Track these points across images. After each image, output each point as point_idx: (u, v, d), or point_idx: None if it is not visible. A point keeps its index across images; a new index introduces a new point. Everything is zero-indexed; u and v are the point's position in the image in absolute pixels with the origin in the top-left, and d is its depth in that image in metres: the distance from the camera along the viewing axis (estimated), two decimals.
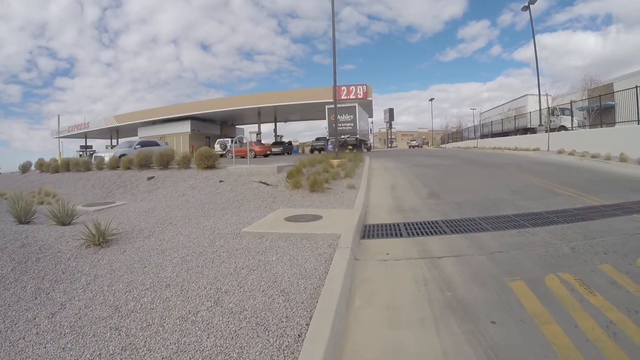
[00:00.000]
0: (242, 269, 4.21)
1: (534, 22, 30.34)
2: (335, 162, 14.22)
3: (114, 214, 8.24)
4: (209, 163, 13.44)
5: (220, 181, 11.47)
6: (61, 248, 5.16)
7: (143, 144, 24.19)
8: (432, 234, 5.76)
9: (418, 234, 5.76)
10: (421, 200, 8.49)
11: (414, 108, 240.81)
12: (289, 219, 6.54)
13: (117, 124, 53.25)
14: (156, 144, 24.99)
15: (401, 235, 5.76)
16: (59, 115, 39.29)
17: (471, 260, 4.45)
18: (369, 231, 6.13)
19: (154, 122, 50.73)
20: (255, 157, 30.06)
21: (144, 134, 52.29)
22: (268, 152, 34.82)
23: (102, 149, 40.85)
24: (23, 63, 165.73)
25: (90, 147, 63.61)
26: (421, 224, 6.39)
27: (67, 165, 19.72)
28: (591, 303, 3.25)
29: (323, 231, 5.48)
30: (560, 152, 20.58)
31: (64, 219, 6.91)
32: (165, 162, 14.96)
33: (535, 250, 4.68)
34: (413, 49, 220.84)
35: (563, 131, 26.83)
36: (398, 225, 6.38)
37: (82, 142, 64.69)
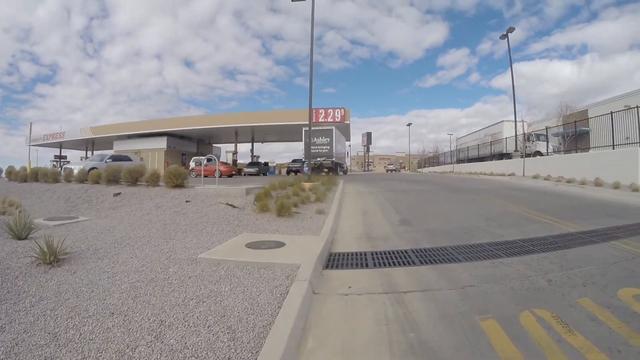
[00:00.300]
0: (191, 299, 3.93)
1: (512, 51, 31.10)
2: (307, 185, 14.03)
3: (73, 231, 8.10)
4: (178, 182, 13.12)
5: (186, 201, 11.15)
6: (11, 265, 5.07)
7: (115, 158, 23.69)
8: (400, 264, 5.48)
9: (385, 265, 5.48)
10: (392, 228, 8.25)
11: (392, 132, 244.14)
12: (250, 246, 6.22)
13: (93, 136, 52.00)
14: (128, 159, 24.50)
15: (367, 266, 5.45)
16: (31, 123, 38.75)
17: (439, 296, 4.17)
18: (333, 260, 5.82)
19: (130, 136, 49.77)
20: (220, 176, 29.75)
21: (120, 147, 51.52)
22: (233, 173, 34.88)
23: (77, 160, 39.95)
24: (4, 66, 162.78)
25: (65, 157, 62.40)
26: (390, 253, 6.11)
27: (35, 175, 19.12)
28: (570, 343, 3.01)
29: (283, 260, 5.16)
30: (535, 177, 20.88)
31: (20, 233, 6.77)
32: (134, 178, 14.55)
33: (509, 284, 4.45)
34: (394, 74, 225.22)
35: (538, 156, 27.49)
36: (365, 255, 6.08)
37: (57, 151, 63.55)
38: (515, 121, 30.86)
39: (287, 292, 4.07)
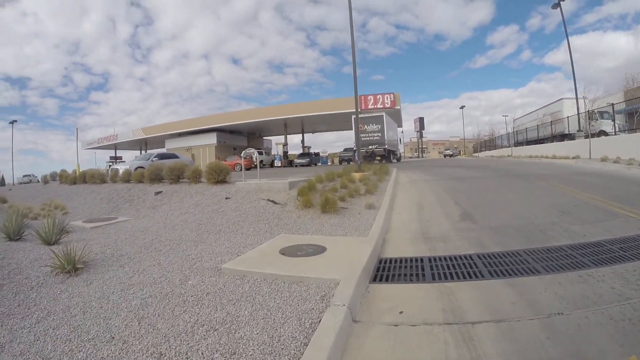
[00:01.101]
0: (202, 325, 3.23)
1: (563, 24, 28.47)
2: (357, 175, 12.98)
3: (107, 233, 7.96)
4: (220, 178, 12.50)
5: (226, 198, 10.50)
6: (30, 274, 4.84)
7: (161, 156, 23.55)
8: (465, 277, 4.41)
9: (447, 277, 4.43)
10: (452, 224, 7.15)
11: (445, 117, 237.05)
12: (285, 252, 5.36)
13: (145, 136, 53.44)
14: (175, 157, 24.31)
15: (424, 279, 4.43)
16: (77, 128, 39.45)
17: (519, 331, 3.05)
18: (383, 270, 4.85)
19: (180, 134, 50.54)
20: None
21: (171, 145, 52.59)
22: (252, 166, 34.73)
23: (131, 159, 40.81)
24: (59, 78, 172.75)
25: (120, 157, 64.52)
26: (451, 260, 5.07)
27: (84, 177, 19.33)
28: None
29: (320, 274, 4.23)
30: (603, 159, 18.81)
31: (50, 238, 6.56)
32: (176, 176, 14.13)
33: (606, 311, 3.25)
34: (442, 57, 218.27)
35: (603, 137, 24.95)
36: (422, 262, 5.07)
37: (112, 153, 65.93)
38: (577, 98, 28.34)
39: (319, 321, 3.16)
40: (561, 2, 28.35)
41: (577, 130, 27.74)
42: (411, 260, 5.21)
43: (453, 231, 6.65)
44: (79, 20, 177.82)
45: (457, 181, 13.47)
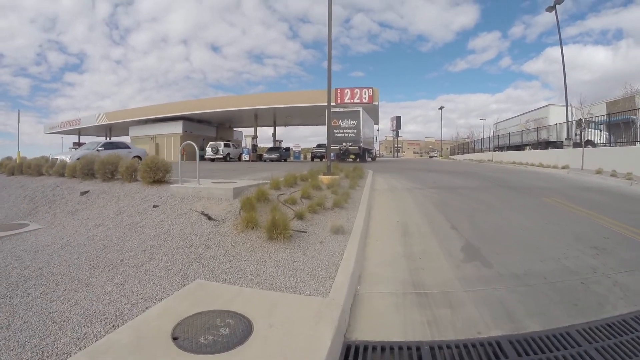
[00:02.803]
0: None
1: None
2: (325, 179, 10.65)
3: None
4: (157, 177, 9.95)
5: (154, 206, 8.07)
6: None
7: (108, 145, 20.73)
8: None
9: None
10: (455, 267, 4.92)
11: (421, 117, 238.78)
12: (182, 333, 2.96)
13: (108, 122, 50.03)
14: (125, 147, 21.54)
15: None
16: (19, 110, 35.78)
17: None
18: None
19: (145, 122, 47.35)
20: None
21: (135, 133, 49.58)
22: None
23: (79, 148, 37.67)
24: (32, 56, 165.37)
25: (84, 144, 60.66)
26: (466, 349, 2.95)
27: (21, 168, 16.44)
28: None
29: None
30: (598, 172, 17.38)
31: None
32: (110, 172, 11.55)
33: None
34: (423, 58, 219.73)
35: (590, 147, 23.68)
36: (419, 353, 2.89)
37: (76, 138, 62.07)
38: (567, 105, 26.82)
39: None
40: (556, 5, 26.64)
41: (566, 139, 26.27)
42: (400, 349, 2.95)
43: (459, 282, 4.41)
44: None
45: (446, 192, 11.24)
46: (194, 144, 9.67)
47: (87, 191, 10.59)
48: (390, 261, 5.18)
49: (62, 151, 20.92)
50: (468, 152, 53.48)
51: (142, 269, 4.88)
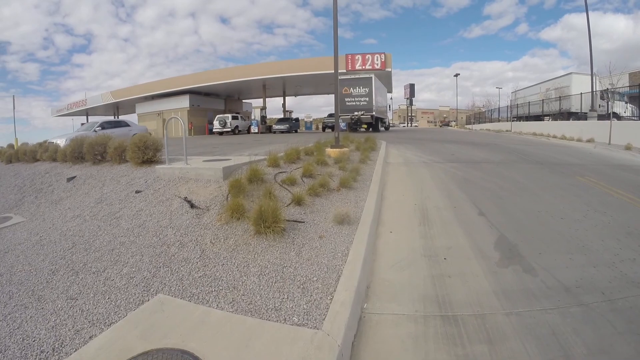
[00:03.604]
0: None
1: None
2: (333, 152, 9.54)
3: None
4: (146, 157, 8.95)
5: (136, 192, 7.12)
6: None
7: (107, 125, 19.67)
8: None
9: None
10: (490, 274, 3.90)
11: (435, 85, 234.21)
12: None
13: (114, 100, 48.95)
14: (124, 125, 20.46)
15: None
16: (13, 96, 34.95)
17: None
18: None
19: (152, 97, 46.14)
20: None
21: (142, 110, 48.49)
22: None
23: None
24: (39, 41, 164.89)
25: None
26: None
27: (17, 155, 15.60)
28: None
29: None
30: (628, 147, 15.97)
31: None
32: (100, 153, 10.58)
33: None
34: (437, 24, 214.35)
35: (614, 120, 21.94)
36: None
37: (84, 119, 61.35)
38: (592, 74, 24.89)
39: None
40: None
41: (590, 110, 24.51)
42: None
43: (497, 299, 3.37)
44: None
45: (467, 167, 10.03)
46: (180, 119, 8.54)
47: (74, 177, 9.77)
48: (407, 262, 4.11)
49: (69, 133, 19.88)
50: (485, 122, 51.41)
51: (103, 276, 3.98)
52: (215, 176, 6.72)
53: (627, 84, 26.01)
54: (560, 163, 11.22)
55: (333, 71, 11.41)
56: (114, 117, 56.09)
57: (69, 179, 9.67)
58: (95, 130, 18.13)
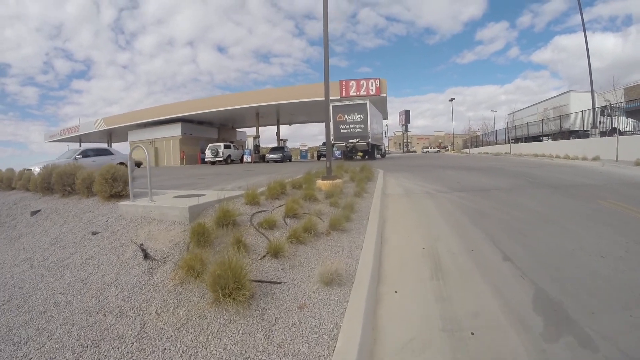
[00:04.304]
0: None
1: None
2: (324, 185, 8.45)
3: None
4: (114, 190, 7.85)
5: (92, 233, 6.00)
6: None
7: (87, 152, 18.62)
8: None
9: None
10: (536, 353, 2.74)
11: (430, 111, 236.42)
12: None
13: (106, 127, 48.21)
14: (107, 153, 19.37)
15: None
16: None
17: None
18: None
19: (145, 125, 45.28)
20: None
21: (134, 138, 47.71)
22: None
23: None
24: (39, 64, 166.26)
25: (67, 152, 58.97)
26: None
27: None
28: None
29: None
30: (638, 163, 15.23)
31: None
32: (69, 184, 9.48)
33: None
34: (430, 50, 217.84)
35: (615, 135, 21.24)
36: None
37: (77, 145, 60.46)
38: (592, 90, 24.25)
39: None
40: None
41: (592, 127, 23.74)
42: None
43: None
44: (62, 1, 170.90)
45: (476, 196, 8.90)
46: (144, 148, 7.40)
47: (38, 211, 8.74)
48: (421, 343, 2.94)
49: (49, 160, 18.67)
50: (482, 145, 50.66)
51: (22, 351, 3.10)
52: (180, 217, 5.59)
53: (623, 99, 25.44)
54: (573, 185, 10.20)
55: (329, 99, 10.47)
56: (107, 145, 55.27)
57: (33, 213, 8.61)
58: (75, 158, 17.08)
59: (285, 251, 4.32)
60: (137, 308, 3.56)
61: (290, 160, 38.72)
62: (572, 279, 3.91)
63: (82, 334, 3.21)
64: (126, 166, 18.94)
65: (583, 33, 23.95)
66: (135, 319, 3.38)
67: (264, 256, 4.29)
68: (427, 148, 77.27)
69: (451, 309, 3.39)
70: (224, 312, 3.24)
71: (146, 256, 4.61)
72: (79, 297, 4.01)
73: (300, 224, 5.20)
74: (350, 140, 25.53)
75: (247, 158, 37.35)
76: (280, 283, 3.71)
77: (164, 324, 3.24)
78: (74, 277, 4.55)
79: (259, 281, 3.67)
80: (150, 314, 3.42)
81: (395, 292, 3.77)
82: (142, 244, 4.95)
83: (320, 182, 8.66)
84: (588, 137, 23.71)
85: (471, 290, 3.76)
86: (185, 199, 6.55)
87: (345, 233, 5.35)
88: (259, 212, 5.99)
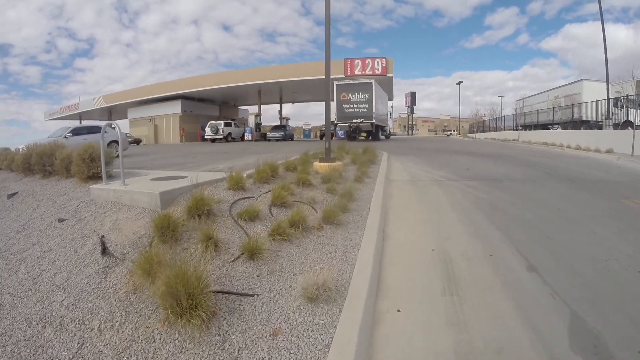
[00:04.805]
0: None
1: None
2: (322, 167, 7.71)
3: None
4: (93, 171, 7.14)
5: (59, 220, 5.36)
6: None
7: (78, 130, 17.75)
8: None
9: None
10: None
11: (436, 94, 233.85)
12: None
13: (106, 104, 47.41)
14: (98, 131, 18.25)
15: None
16: None
17: None
18: None
19: (145, 102, 44.36)
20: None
21: (134, 115, 47.19)
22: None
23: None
24: (42, 44, 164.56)
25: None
26: None
27: None
28: None
29: None
30: None
31: None
32: (49, 164, 8.79)
33: None
34: (439, 34, 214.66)
35: (630, 129, 20.07)
36: None
37: (77, 123, 59.67)
38: (608, 81, 23.27)
39: None
40: None
41: (606, 118, 22.89)
42: None
43: None
44: None
45: (487, 186, 8.09)
46: (117, 125, 6.63)
47: (15, 193, 8.17)
48: None
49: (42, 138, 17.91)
50: (489, 131, 49.50)
51: None
52: (151, 203, 4.85)
53: (634, 92, 24.47)
54: (591, 180, 9.38)
55: (331, 75, 9.62)
56: (110, 121, 54.52)
57: (10, 196, 8.04)
58: (66, 136, 16.33)
59: (265, 251, 3.55)
60: (79, 320, 2.89)
61: (292, 139, 37.91)
62: (611, 302, 3.16)
63: (16, 350, 2.63)
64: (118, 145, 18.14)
65: (600, 22, 22.93)
66: (75, 335, 2.73)
67: (238, 257, 3.54)
68: (451, 131, 76.80)
69: (468, 340, 2.65)
70: (177, 335, 2.52)
71: (104, 251, 3.90)
72: (25, 299, 3.41)
73: (287, 215, 4.44)
74: (354, 120, 24.69)
75: (247, 136, 36.58)
76: (252, 296, 2.96)
77: (104, 345, 2.56)
78: (27, 273, 3.92)
79: (226, 292, 2.93)
80: (92, 330, 2.75)
81: (399, 310, 3.02)
82: (103, 236, 4.24)
83: (317, 165, 7.90)
84: (601, 128, 22.78)
85: (492, 311, 3.01)
86: (163, 182, 5.80)
87: (341, 227, 4.58)
88: (243, 198, 5.22)
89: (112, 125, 7.31)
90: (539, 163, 12.61)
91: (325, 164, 7.84)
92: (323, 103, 9.49)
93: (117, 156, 7.29)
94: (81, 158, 7.17)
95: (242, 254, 3.57)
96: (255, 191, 5.70)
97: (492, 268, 3.81)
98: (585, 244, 4.60)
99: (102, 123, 40.90)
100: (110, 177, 7.13)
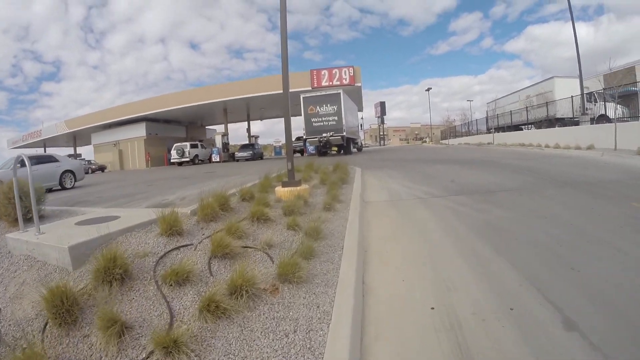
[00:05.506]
0: None
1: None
2: (284, 194, 6.53)
3: None
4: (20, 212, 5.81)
5: None
6: None
7: (26, 161, 15.78)
8: None
9: None
10: None
11: (405, 103, 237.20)
12: None
13: (69, 130, 45.19)
14: (53, 160, 16.13)
15: None
16: None
17: None
18: None
19: (109, 126, 42.38)
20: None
21: (98, 140, 45.26)
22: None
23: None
24: (7, 68, 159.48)
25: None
26: None
27: None
28: None
29: None
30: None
31: None
32: None
33: None
34: (404, 42, 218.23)
35: (606, 123, 20.20)
36: None
37: (42, 151, 57.02)
38: (581, 77, 23.14)
39: None
40: None
41: (582, 114, 22.59)
42: None
43: None
44: (28, 1, 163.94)
45: (481, 201, 7.00)
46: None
47: None
48: None
49: None
50: (461, 136, 49.14)
51: None
52: (61, 261, 3.62)
53: (603, 86, 24.27)
54: (588, 181, 8.50)
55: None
56: (73, 149, 52.59)
57: None
58: (11, 169, 14.42)
59: (188, 345, 2.33)
60: None
61: (261, 158, 36.64)
62: None
63: None
64: (73, 174, 16.17)
65: (562, 21, 22.92)
66: None
67: (148, 357, 2.32)
68: (425, 138, 78.35)
69: None
70: None
71: None
72: None
73: (229, 275, 3.22)
74: (324, 134, 23.59)
75: (215, 157, 35.08)
76: None
77: None
78: None
79: None
80: None
81: None
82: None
83: (280, 191, 6.73)
84: (577, 125, 22.39)
85: None
86: (87, 227, 4.50)
87: (305, 286, 3.33)
88: (177, 248, 3.95)
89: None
90: (525, 167, 11.69)
91: (288, 189, 6.65)
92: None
93: (49, 190, 5.96)
94: (7, 197, 5.97)
95: (154, 350, 2.34)
96: (198, 233, 4.46)
97: (517, 330, 2.65)
98: (621, 272, 3.53)
99: (59, 151, 38.96)
100: (43, 218, 5.86)
